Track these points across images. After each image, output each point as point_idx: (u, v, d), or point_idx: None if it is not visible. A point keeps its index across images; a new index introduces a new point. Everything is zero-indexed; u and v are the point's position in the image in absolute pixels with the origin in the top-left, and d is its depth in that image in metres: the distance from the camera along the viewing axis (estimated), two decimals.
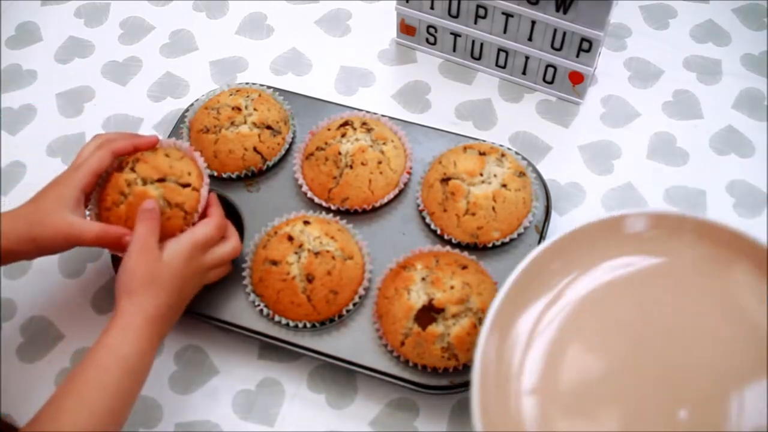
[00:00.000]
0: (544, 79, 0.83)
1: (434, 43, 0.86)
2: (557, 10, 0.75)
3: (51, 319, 0.71)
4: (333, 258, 0.65)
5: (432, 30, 0.85)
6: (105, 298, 0.72)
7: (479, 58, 0.85)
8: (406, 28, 0.86)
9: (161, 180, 0.64)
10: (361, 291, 0.67)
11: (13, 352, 0.69)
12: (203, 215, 0.65)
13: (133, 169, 0.64)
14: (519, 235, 0.69)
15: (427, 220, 0.70)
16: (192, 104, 0.78)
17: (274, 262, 0.65)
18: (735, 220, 0.75)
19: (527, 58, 0.81)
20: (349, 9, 0.93)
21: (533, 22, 0.77)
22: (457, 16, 0.81)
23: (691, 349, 0.56)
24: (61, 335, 0.70)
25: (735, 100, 0.83)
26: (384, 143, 0.72)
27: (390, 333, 0.63)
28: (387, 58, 0.88)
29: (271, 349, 0.68)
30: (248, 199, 0.73)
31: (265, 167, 0.74)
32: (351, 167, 0.70)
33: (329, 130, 0.73)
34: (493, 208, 0.67)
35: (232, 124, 0.73)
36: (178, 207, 0.63)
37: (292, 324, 0.66)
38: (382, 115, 0.76)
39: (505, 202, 0.68)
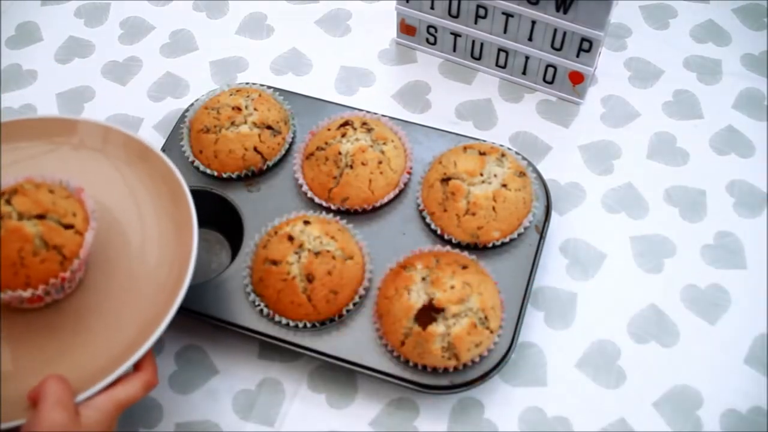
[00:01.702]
0: (544, 79, 0.83)
1: (434, 43, 0.86)
2: (557, 10, 0.75)
3: None
4: (333, 258, 0.65)
5: (432, 30, 0.85)
6: None
7: (479, 58, 0.85)
8: (406, 28, 0.86)
9: (41, 217, 0.56)
10: (361, 291, 0.67)
11: None
12: (136, 368, 0.57)
13: (9, 202, 0.55)
14: (519, 235, 0.69)
15: (428, 220, 0.70)
16: (192, 104, 0.78)
17: (275, 262, 0.65)
18: (735, 220, 0.75)
19: (527, 58, 0.81)
20: (349, 9, 0.93)
21: (533, 22, 0.77)
22: (457, 16, 0.81)
23: None
24: None
25: (735, 100, 0.83)
26: (384, 143, 0.72)
27: (390, 333, 0.63)
28: (387, 58, 0.88)
29: (272, 348, 0.68)
30: (248, 199, 0.73)
31: (265, 167, 0.74)
32: (351, 167, 0.70)
33: (329, 130, 0.73)
34: (494, 208, 0.67)
35: (233, 123, 0.73)
36: (56, 250, 0.56)
37: (292, 324, 0.65)
38: (383, 115, 0.76)
39: (505, 202, 0.68)
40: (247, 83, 0.80)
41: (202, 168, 0.74)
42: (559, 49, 0.78)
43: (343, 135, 0.72)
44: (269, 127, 0.74)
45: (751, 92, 0.84)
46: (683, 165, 0.79)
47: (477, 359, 0.63)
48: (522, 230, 0.69)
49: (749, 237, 0.74)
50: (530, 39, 0.79)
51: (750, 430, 0.64)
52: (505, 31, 0.80)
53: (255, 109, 0.74)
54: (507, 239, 0.69)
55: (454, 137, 0.76)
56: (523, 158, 0.73)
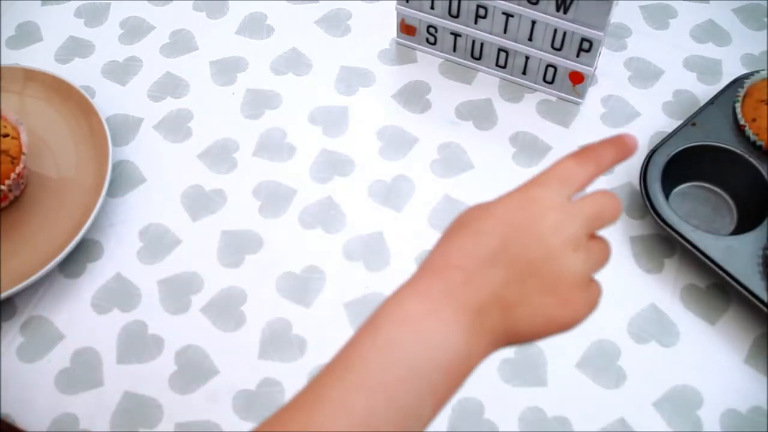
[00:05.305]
0: (544, 79, 0.83)
1: (434, 43, 0.86)
2: (557, 10, 0.75)
3: (51, 319, 0.71)
4: None
5: (432, 30, 0.85)
6: (105, 298, 0.72)
7: (479, 58, 0.85)
8: (406, 28, 0.86)
9: None
10: None
11: (13, 352, 0.69)
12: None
13: None
14: None
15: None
16: (753, 73, 0.78)
17: None
18: None
19: (527, 58, 0.81)
20: (349, 9, 0.93)
21: (533, 22, 0.77)
22: (457, 16, 0.81)
23: None
24: (61, 335, 0.70)
25: None
26: None
27: None
28: (387, 58, 0.88)
29: (271, 349, 0.68)
30: None
31: None
32: None
33: None
34: None
35: None
36: (5, 153, 0.71)
37: None
38: None
39: None
40: None
41: (751, 137, 0.73)
42: (559, 49, 0.78)
43: None
44: None
45: None
46: None
47: None
48: None
49: None
50: (530, 39, 0.79)
51: (750, 430, 0.64)
52: (505, 31, 0.80)
53: None
54: None
55: None
56: None
